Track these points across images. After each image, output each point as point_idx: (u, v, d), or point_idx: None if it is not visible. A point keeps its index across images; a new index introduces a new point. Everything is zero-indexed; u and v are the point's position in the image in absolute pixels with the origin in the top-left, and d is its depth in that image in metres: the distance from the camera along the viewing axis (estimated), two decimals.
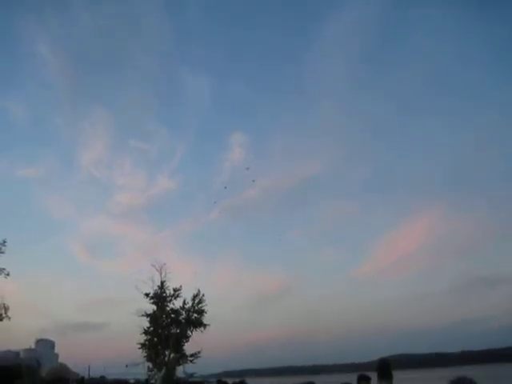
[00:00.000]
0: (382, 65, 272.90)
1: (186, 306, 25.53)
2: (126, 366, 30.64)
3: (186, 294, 25.95)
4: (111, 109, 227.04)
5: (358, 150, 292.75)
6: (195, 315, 25.43)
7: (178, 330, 25.25)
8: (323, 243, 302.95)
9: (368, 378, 6.38)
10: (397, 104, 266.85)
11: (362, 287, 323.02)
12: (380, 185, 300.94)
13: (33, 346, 58.97)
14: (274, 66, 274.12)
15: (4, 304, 27.46)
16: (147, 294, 25.20)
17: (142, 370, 25.10)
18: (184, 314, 25.46)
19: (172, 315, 25.49)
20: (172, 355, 24.76)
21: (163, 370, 23.46)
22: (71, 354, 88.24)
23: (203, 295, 25.81)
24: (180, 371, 25.22)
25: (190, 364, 25.27)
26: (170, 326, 25.34)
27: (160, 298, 25.40)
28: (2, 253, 26.38)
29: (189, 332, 25.34)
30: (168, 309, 25.55)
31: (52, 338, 64.98)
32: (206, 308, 25.70)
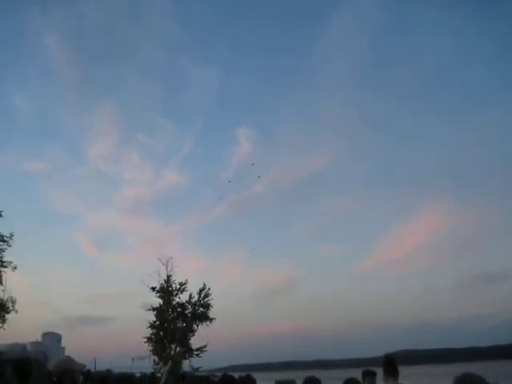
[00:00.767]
0: (385, 62, 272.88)
1: (192, 300, 25.59)
2: (132, 359, 30.89)
3: (192, 288, 26.02)
4: (118, 102, 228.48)
5: (360, 147, 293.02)
6: (201, 309, 25.49)
7: (184, 324, 25.33)
8: (327, 238, 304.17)
9: (373, 374, 6.40)
10: (399, 101, 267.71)
11: (365, 282, 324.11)
12: (383, 181, 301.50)
13: (40, 340, 59.25)
14: (278, 60, 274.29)
15: (11, 297, 27.72)
16: (153, 288, 25.28)
17: (148, 363, 25.21)
18: (190, 308, 25.53)
19: (178, 309, 25.54)
20: (178, 349, 24.85)
21: (169, 364, 23.58)
22: (78, 348, 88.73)
23: (209, 289, 25.87)
24: (186, 365, 25.32)
25: (196, 358, 25.38)
26: (176, 319, 25.41)
27: (166, 291, 25.47)
28: (10, 246, 26.58)
29: (195, 326, 25.42)
30: (174, 303, 25.62)
31: (59, 332, 65.33)
32: (211, 302, 25.77)
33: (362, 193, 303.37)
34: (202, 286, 25.87)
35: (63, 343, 60.66)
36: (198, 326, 25.48)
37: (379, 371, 5.82)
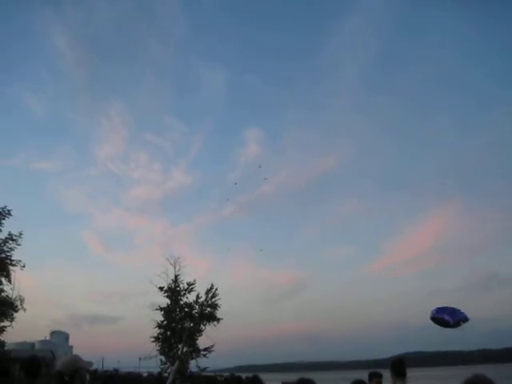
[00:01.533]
0: (396, 64, 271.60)
1: (200, 300, 25.60)
2: (140, 359, 30.92)
3: (200, 288, 26.03)
4: (127, 102, 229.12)
5: (370, 149, 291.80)
6: (208, 309, 25.50)
7: (192, 324, 25.35)
8: (336, 240, 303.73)
9: (379, 375, 6.41)
10: (410, 103, 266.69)
11: (374, 284, 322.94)
12: (393, 184, 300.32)
13: (48, 338, 59.42)
14: (289, 61, 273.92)
15: (20, 296, 27.87)
16: (161, 288, 25.32)
17: (155, 363, 25.27)
18: (197, 308, 25.55)
19: (185, 309, 25.56)
20: (185, 349, 24.88)
21: (176, 364, 23.60)
22: (85, 347, 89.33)
23: (216, 289, 25.87)
24: (193, 365, 25.35)
25: (203, 358, 25.39)
26: (183, 319, 25.44)
27: (174, 291, 25.51)
28: (19, 245, 26.76)
29: (202, 326, 25.42)
30: (182, 303, 25.65)
31: (67, 330, 65.57)
32: (219, 302, 25.76)
33: (371, 195, 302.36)
34: (209, 287, 25.90)
35: (71, 342, 60.95)
36: (205, 326, 25.49)
37: (387, 373, 5.80)
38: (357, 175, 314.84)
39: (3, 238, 26.27)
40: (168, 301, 25.55)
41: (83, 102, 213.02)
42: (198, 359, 25.30)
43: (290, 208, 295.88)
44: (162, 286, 25.40)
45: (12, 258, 26.67)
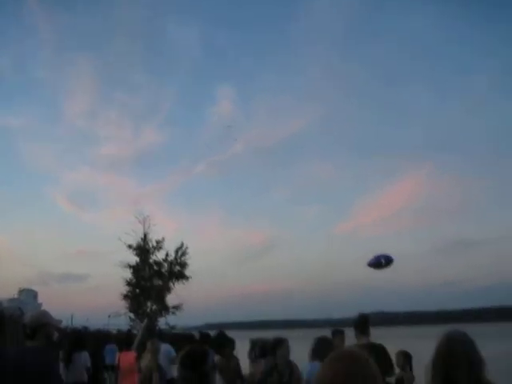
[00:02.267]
0: (370, 33, 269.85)
1: (169, 259, 25.62)
2: (109, 316, 31.00)
3: (170, 248, 26.00)
4: (96, 58, 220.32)
5: (342, 113, 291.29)
6: (178, 267, 25.55)
7: (161, 282, 25.40)
8: (306, 201, 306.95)
9: (342, 332, 6.62)
10: (383, 71, 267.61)
11: (344, 244, 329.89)
12: (365, 147, 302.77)
13: (16, 296, 59.16)
14: (264, 24, 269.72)
15: None
16: (130, 246, 25.18)
17: (124, 320, 25.38)
18: (166, 267, 25.57)
19: (154, 267, 25.58)
20: (154, 307, 24.99)
21: (145, 321, 23.67)
22: (55, 304, 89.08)
23: (186, 248, 25.88)
24: (162, 322, 25.52)
25: (172, 316, 25.60)
26: (152, 277, 25.46)
27: (143, 249, 25.41)
28: None
29: (171, 284, 25.50)
30: (150, 261, 25.62)
31: (36, 289, 65.37)
32: (189, 261, 25.82)
33: (343, 158, 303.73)
34: (179, 245, 25.87)
35: (40, 299, 60.82)
36: (174, 284, 25.58)
37: (351, 331, 5.81)
38: (328, 138, 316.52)
39: None
40: (137, 259, 25.48)
41: (51, 57, 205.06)
42: (167, 316, 25.53)
43: (261, 169, 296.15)
44: (130, 244, 25.26)
45: None
